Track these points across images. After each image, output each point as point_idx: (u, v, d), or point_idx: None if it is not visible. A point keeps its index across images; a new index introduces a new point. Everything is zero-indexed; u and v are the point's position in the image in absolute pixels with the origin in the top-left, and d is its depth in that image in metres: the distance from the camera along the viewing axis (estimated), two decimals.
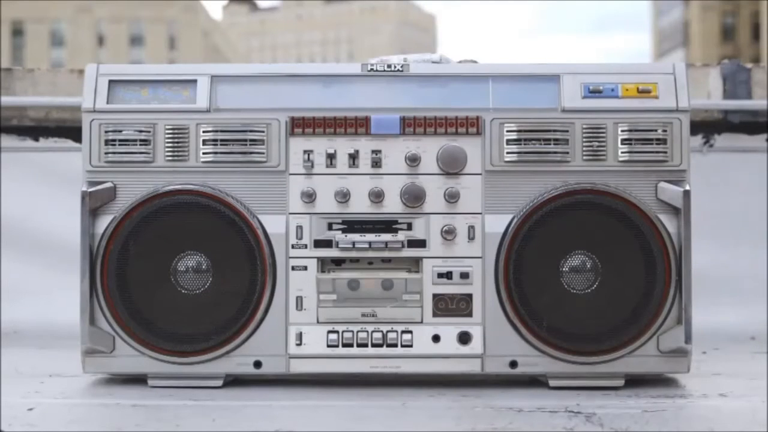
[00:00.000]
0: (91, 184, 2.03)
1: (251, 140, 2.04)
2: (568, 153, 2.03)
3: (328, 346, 2.02)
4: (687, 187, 2.00)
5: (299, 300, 2.03)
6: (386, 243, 2.02)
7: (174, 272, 2.02)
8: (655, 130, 2.03)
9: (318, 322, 2.03)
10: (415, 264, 2.04)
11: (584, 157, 2.03)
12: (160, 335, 2.01)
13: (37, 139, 3.08)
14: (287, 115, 2.05)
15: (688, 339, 1.98)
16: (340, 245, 2.03)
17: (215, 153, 2.04)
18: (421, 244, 2.03)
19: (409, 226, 2.03)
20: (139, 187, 2.03)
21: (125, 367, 2.04)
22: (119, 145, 2.04)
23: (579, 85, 2.04)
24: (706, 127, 3.00)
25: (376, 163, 2.04)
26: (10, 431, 1.70)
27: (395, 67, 2.08)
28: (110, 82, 2.06)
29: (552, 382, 2.03)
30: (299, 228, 2.03)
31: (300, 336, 2.02)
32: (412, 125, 2.04)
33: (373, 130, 2.04)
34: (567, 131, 2.03)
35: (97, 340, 2.01)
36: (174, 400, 1.93)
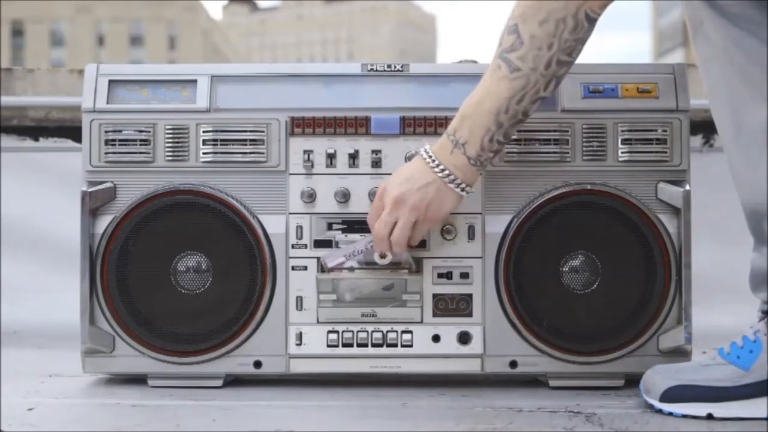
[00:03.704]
0: (91, 184, 2.03)
1: (251, 140, 2.04)
2: (568, 153, 2.03)
3: (328, 346, 2.02)
4: (687, 187, 2.00)
5: (299, 300, 2.03)
6: None
7: (174, 272, 2.02)
8: (655, 130, 2.03)
9: (318, 322, 2.03)
10: (415, 264, 2.04)
11: (584, 157, 2.03)
12: (160, 335, 2.01)
13: (37, 139, 3.08)
14: (287, 115, 2.05)
15: (688, 339, 1.98)
16: (340, 245, 2.03)
17: (215, 153, 2.04)
18: (421, 244, 2.03)
19: None
20: (139, 187, 2.03)
21: (125, 367, 2.04)
22: (119, 145, 2.04)
23: (579, 85, 2.04)
24: (706, 127, 2.99)
25: (376, 163, 2.04)
26: (10, 431, 1.70)
27: (395, 67, 2.08)
28: (110, 82, 2.06)
29: (552, 382, 2.03)
30: (299, 228, 2.03)
31: (300, 336, 2.02)
32: (412, 125, 2.04)
33: (373, 130, 2.04)
34: (567, 131, 2.03)
35: (97, 340, 2.01)
36: (174, 400, 1.93)
